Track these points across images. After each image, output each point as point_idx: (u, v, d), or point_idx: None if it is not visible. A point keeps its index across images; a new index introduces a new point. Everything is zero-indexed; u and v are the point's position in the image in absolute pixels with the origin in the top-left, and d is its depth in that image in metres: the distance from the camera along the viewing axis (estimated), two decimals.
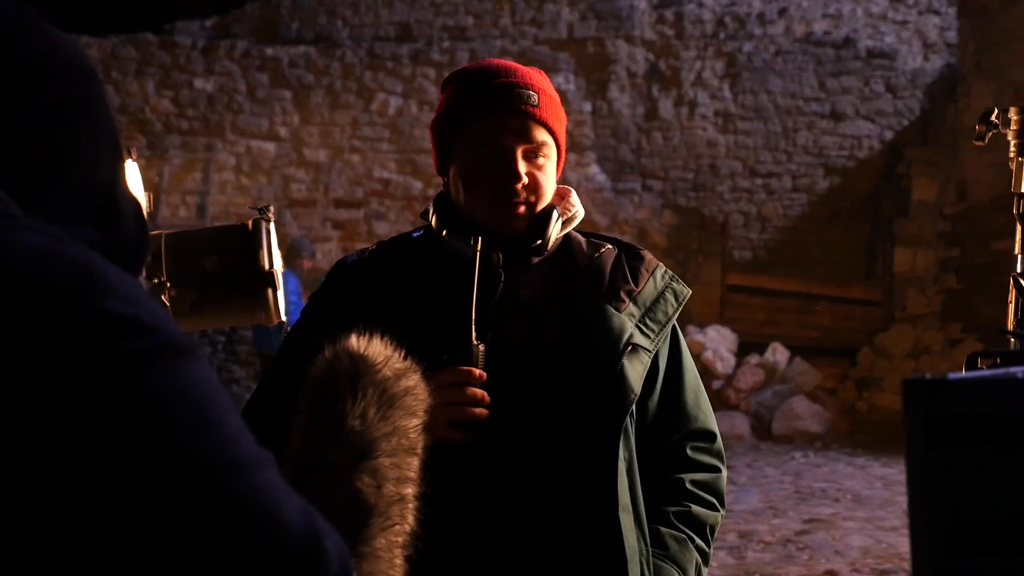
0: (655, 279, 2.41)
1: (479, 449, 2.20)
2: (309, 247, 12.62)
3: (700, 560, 2.42)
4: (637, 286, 2.38)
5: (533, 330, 2.33)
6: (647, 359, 2.33)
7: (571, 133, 15.75)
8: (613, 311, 2.33)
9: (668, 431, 2.44)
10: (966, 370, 1.92)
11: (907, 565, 7.78)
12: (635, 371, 2.30)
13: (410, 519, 1.61)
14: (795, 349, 14.51)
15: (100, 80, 1.38)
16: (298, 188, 15.73)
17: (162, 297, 2.15)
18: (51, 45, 1.33)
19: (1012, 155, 2.61)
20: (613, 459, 2.26)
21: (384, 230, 14.91)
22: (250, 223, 2.48)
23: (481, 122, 2.29)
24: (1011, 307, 2.59)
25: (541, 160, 2.31)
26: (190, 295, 2.29)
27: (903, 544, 8.28)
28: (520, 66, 2.38)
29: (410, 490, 1.63)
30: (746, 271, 16.03)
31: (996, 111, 2.67)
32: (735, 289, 15.43)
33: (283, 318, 2.53)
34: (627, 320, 2.33)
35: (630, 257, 2.44)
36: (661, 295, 2.40)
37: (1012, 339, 2.48)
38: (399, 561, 1.55)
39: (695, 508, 2.43)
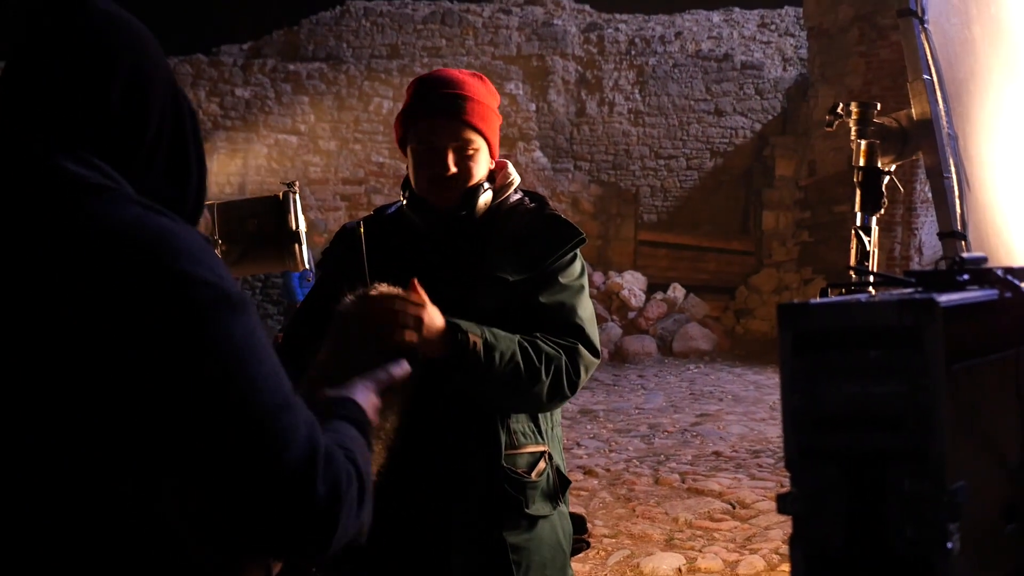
0: (551, 226, 2.33)
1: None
2: (323, 227, 12.39)
3: (529, 347, 2.18)
4: (533, 234, 2.31)
5: (452, 278, 2.25)
6: (516, 288, 2.24)
7: (519, 126, 15.72)
8: (496, 250, 2.28)
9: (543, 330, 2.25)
10: (820, 298, 1.93)
11: (773, 446, 7.87)
12: (490, 299, 2.21)
13: (392, 417, 1.62)
14: (690, 287, 14.54)
15: (155, 41, 1.33)
16: (314, 170, 15.63)
17: (215, 251, 2.14)
18: (125, 26, 1.29)
19: (853, 138, 2.60)
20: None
21: (380, 200, 14.80)
22: (280, 194, 2.46)
23: (425, 123, 2.29)
24: (852, 252, 2.60)
25: (470, 152, 2.29)
26: (237, 249, 2.28)
27: (770, 431, 8.38)
28: (464, 78, 2.34)
29: (394, 396, 1.63)
30: (653, 230, 16.05)
31: (841, 105, 2.66)
32: (644, 243, 15.43)
33: (307, 266, 2.51)
34: (508, 258, 2.26)
35: (539, 210, 2.38)
36: (550, 237, 2.31)
37: (853, 274, 2.49)
38: (378, 448, 1.54)
39: (540, 340, 2.22)
